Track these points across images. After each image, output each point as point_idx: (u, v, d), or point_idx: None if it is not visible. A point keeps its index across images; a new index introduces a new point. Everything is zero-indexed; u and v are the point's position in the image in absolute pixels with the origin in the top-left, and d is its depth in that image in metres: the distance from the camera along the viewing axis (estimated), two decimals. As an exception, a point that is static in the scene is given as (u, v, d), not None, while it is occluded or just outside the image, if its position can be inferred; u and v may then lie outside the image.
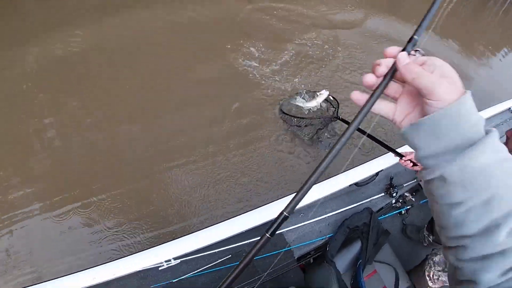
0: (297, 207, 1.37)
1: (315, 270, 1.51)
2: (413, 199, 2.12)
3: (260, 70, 3.24)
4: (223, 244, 1.36)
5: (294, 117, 2.66)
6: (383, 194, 1.91)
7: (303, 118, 2.65)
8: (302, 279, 1.57)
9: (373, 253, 1.69)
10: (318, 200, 1.60)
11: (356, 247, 1.67)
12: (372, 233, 1.70)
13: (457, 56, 5.00)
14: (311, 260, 1.75)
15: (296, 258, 1.59)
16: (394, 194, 1.94)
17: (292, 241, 1.61)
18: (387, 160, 1.76)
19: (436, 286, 1.64)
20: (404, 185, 2.05)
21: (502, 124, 2.59)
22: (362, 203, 1.80)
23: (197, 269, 1.42)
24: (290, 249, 1.58)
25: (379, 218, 1.85)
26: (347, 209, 1.74)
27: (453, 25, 5.32)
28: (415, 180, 2.14)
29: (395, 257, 1.77)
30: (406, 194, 2.13)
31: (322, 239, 1.67)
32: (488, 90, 4.31)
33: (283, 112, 2.73)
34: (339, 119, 2.50)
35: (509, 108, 2.73)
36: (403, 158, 1.59)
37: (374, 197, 1.85)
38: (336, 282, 1.40)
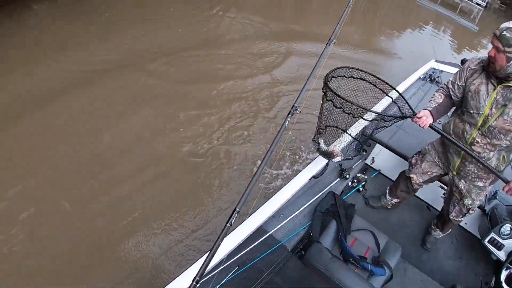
0: (276, 209, 1.79)
1: (309, 252, 1.77)
2: (365, 176, 2.57)
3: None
4: None
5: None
6: (338, 179, 2.32)
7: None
8: (302, 265, 1.84)
9: (347, 225, 2.04)
10: (289, 199, 1.96)
11: (333, 225, 2.01)
12: (340, 210, 2.07)
13: (370, 42, 6.03)
14: (302, 251, 2.02)
15: (290, 250, 1.88)
16: (347, 176, 2.37)
17: (282, 237, 1.91)
18: None
19: None
20: (353, 167, 2.50)
21: (417, 91, 3.23)
22: (324, 191, 2.18)
23: None
24: (282, 243, 1.86)
25: (343, 198, 2.25)
26: (314, 199, 2.11)
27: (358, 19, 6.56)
28: (360, 160, 2.60)
29: (367, 222, 2.12)
30: (358, 174, 2.57)
31: (304, 228, 1.99)
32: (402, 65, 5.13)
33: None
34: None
35: (419, 77, 3.44)
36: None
37: (332, 183, 2.25)
38: (329, 253, 1.70)
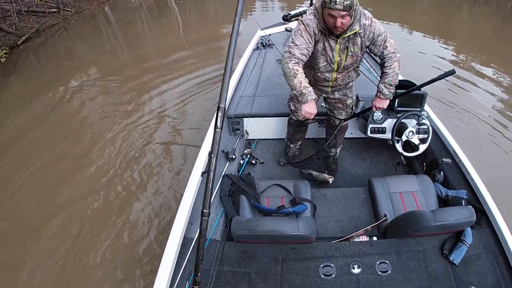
0: (188, 215, 1.83)
1: (231, 229, 1.81)
2: (249, 149, 2.88)
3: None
4: None
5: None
6: (227, 162, 2.47)
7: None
8: (236, 244, 1.86)
9: (253, 191, 2.17)
10: (195, 202, 2.05)
11: (243, 199, 2.12)
12: (241, 183, 2.20)
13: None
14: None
15: (220, 239, 1.95)
16: (234, 157, 2.53)
17: (207, 235, 1.95)
18: (208, 142, 2.37)
19: None
20: (235, 147, 2.68)
21: (257, 61, 3.63)
22: (220, 179, 2.31)
23: None
24: (210, 238, 1.90)
25: (239, 175, 2.44)
26: (216, 190, 2.21)
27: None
28: (238, 139, 2.81)
29: (269, 180, 2.32)
30: (244, 151, 2.84)
31: (221, 215, 2.08)
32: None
33: None
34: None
35: (253, 49, 3.83)
36: None
37: (224, 169, 2.39)
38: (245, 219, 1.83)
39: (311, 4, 4.32)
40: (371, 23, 1.91)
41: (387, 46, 1.99)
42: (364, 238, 2.01)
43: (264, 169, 2.82)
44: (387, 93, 2.11)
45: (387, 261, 1.77)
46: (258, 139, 3.07)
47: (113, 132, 4.24)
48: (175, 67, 6.07)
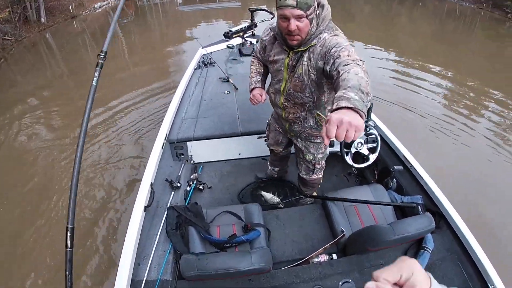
0: (133, 257, 1.66)
1: (180, 269, 1.63)
2: (196, 175, 2.73)
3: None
4: None
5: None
6: (172, 192, 2.31)
7: None
8: (187, 283, 1.75)
9: (202, 222, 2.02)
10: (140, 241, 1.90)
11: (192, 231, 1.93)
12: (187, 214, 2.04)
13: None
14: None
15: (171, 279, 1.80)
16: (179, 185, 2.37)
17: (157, 275, 1.77)
18: (149, 173, 2.21)
19: None
20: (180, 174, 2.51)
21: (199, 80, 3.51)
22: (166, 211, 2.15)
23: None
24: (160, 279, 1.72)
25: (185, 205, 2.31)
26: (162, 224, 2.06)
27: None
28: (183, 165, 2.68)
29: (219, 207, 2.17)
30: (191, 177, 2.70)
31: (169, 252, 1.92)
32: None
33: None
34: None
35: (194, 68, 3.73)
36: None
37: (170, 199, 2.23)
38: (194, 256, 1.67)
39: (252, 21, 4.34)
40: (331, 37, 1.44)
41: (340, 56, 1.33)
42: (324, 257, 1.92)
43: (213, 194, 2.68)
44: (357, 98, 1.01)
45: (350, 280, 1.69)
46: (204, 162, 2.94)
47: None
48: (119, 88, 5.83)
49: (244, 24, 4.43)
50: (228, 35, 4.27)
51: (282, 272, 1.78)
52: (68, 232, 1.06)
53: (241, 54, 4.10)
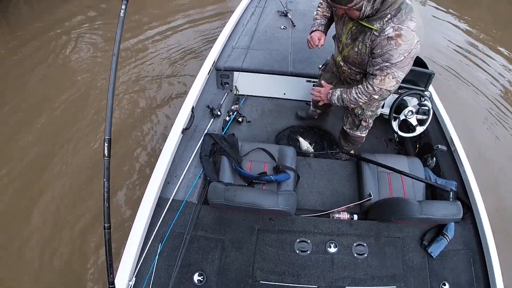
0: (165, 174, 1.88)
1: (208, 195, 1.70)
2: (236, 105, 2.69)
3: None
4: None
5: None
6: (212, 119, 2.30)
7: None
8: (211, 209, 1.82)
9: (236, 154, 2.04)
10: (173, 160, 1.96)
11: (224, 161, 1.99)
12: (223, 144, 2.05)
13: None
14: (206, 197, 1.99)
15: (196, 202, 1.86)
16: (219, 113, 2.34)
17: (183, 196, 1.85)
18: (192, 96, 2.19)
19: None
20: (222, 102, 2.48)
21: (255, 9, 3.28)
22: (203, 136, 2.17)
23: None
24: (186, 200, 1.82)
25: (222, 134, 2.31)
26: (197, 148, 2.08)
27: None
28: (226, 94, 2.62)
29: (254, 143, 2.16)
30: (232, 107, 2.65)
31: (199, 176, 1.95)
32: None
33: None
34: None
35: None
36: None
37: (208, 126, 2.23)
38: (223, 185, 1.69)
39: None
40: (393, 42, 1.36)
41: (374, 72, 1.48)
42: (345, 215, 1.94)
43: (250, 129, 2.67)
44: (333, 99, 1.77)
45: (365, 244, 1.74)
46: (247, 96, 2.88)
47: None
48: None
49: None
50: None
51: (302, 219, 1.82)
52: (105, 143, 1.11)
53: None
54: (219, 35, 2.77)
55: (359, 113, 2.03)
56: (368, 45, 1.48)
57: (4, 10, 5.55)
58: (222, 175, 1.98)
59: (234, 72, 2.62)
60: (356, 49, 1.57)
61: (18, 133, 3.16)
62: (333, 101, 1.80)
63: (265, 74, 2.64)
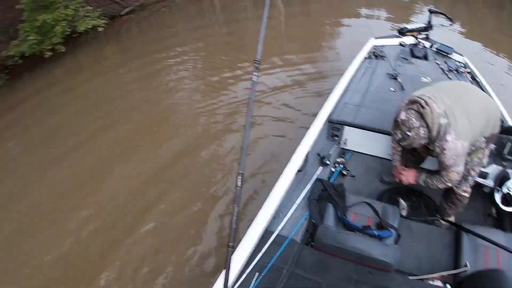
0: (275, 208, 1.95)
1: (317, 235, 1.81)
2: (343, 159, 2.77)
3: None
4: None
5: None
6: (321, 167, 2.47)
7: None
8: (315, 251, 1.87)
9: (342, 203, 2.16)
10: (283, 196, 2.08)
11: (330, 208, 2.10)
12: (332, 192, 2.20)
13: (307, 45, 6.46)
14: (310, 238, 2.07)
15: (299, 241, 1.95)
16: (328, 163, 2.52)
17: (288, 233, 1.96)
18: (307, 143, 2.39)
19: None
20: (330, 153, 2.66)
21: (366, 71, 3.49)
22: (312, 180, 2.31)
23: None
24: (291, 238, 1.92)
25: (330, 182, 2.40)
26: (306, 190, 2.23)
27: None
28: (334, 145, 2.78)
29: (360, 196, 2.26)
30: (337, 159, 2.76)
31: (305, 218, 2.09)
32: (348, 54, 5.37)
33: None
34: None
35: (364, 58, 3.70)
36: None
37: (317, 172, 2.39)
38: (335, 228, 1.81)
39: (428, 23, 4.06)
40: (442, 154, 1.86)
41: (442, 172, 1.98)
42: (439, 283, 1.87)
43: (353, 183, 2.73)
44: (420, 182, 2.18)
45: None
46: (353, 151, 2.98)
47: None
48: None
49: (421, 24, 4.15)
50: (402, 32, 4.05)
51: (400, 278, 1.78)
52: (238, 176, 1.40)
53: (412, 55, 3.84)
54: (331, 90, 2.99)
55: (468, 160, 2.03)
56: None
57: (118, 29, 6.72)
58: (326, 220, 2.06)
59: (345, 126, 2.77)
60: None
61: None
62: (420, 183, 2.15)
63: (374, 133, 2.73)
